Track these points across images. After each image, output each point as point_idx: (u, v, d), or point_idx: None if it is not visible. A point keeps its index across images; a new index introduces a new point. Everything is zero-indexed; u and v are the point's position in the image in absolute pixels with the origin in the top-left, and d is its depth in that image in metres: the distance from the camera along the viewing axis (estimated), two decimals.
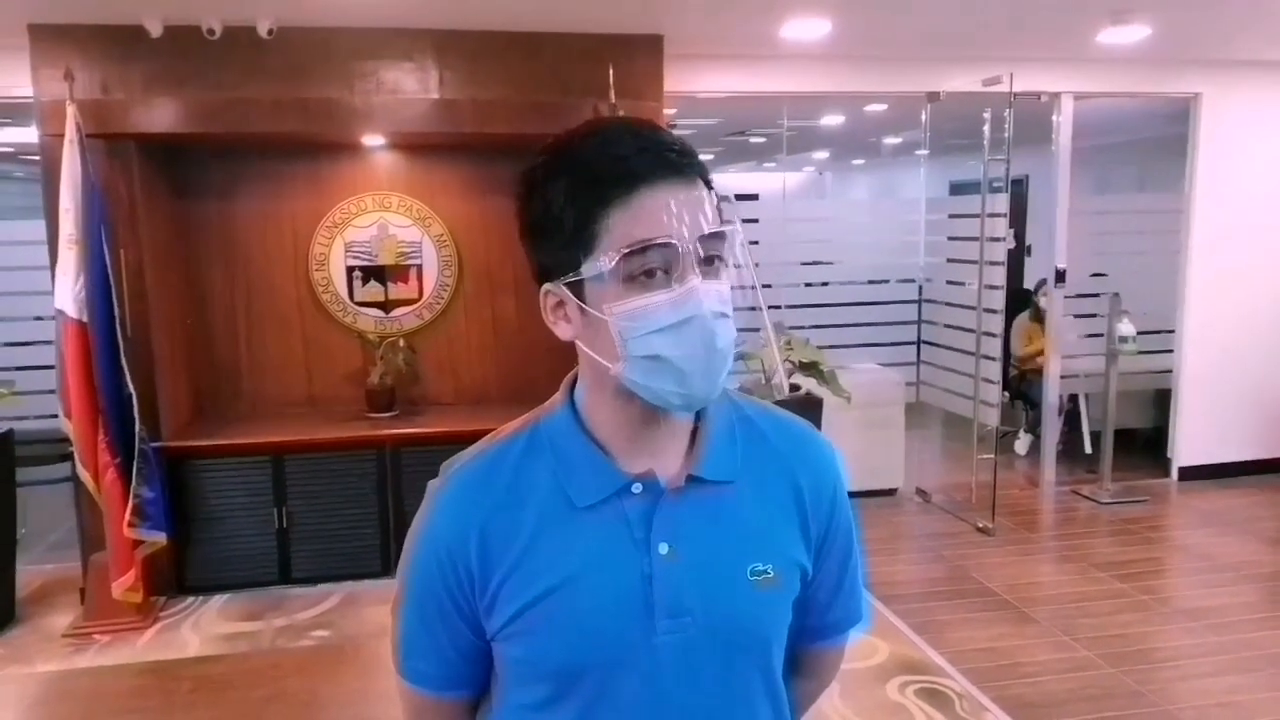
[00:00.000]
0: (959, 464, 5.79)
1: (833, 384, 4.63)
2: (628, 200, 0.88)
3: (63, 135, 3.61)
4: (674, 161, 0.89)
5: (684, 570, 0.96)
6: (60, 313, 3.64)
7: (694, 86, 4.85)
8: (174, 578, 4.11)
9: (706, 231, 0.89)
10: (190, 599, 4.09)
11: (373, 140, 4.46)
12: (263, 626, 3.85)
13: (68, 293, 3.62)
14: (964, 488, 5.37)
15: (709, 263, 0.90)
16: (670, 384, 0.91)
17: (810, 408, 4.62)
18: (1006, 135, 4.84)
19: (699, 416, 1.01)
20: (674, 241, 0.87)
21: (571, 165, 0.91)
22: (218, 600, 4.09)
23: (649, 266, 0.88)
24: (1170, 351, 5.76)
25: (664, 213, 0.88)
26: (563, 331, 0.96)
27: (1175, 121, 5.70)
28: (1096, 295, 5.71)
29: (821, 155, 11.64)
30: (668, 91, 4.40)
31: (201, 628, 3.84)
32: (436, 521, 0.98)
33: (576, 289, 0.92)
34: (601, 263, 0.88)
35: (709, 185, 0.93)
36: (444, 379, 4.77)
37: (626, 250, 0.87)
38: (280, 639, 3.75)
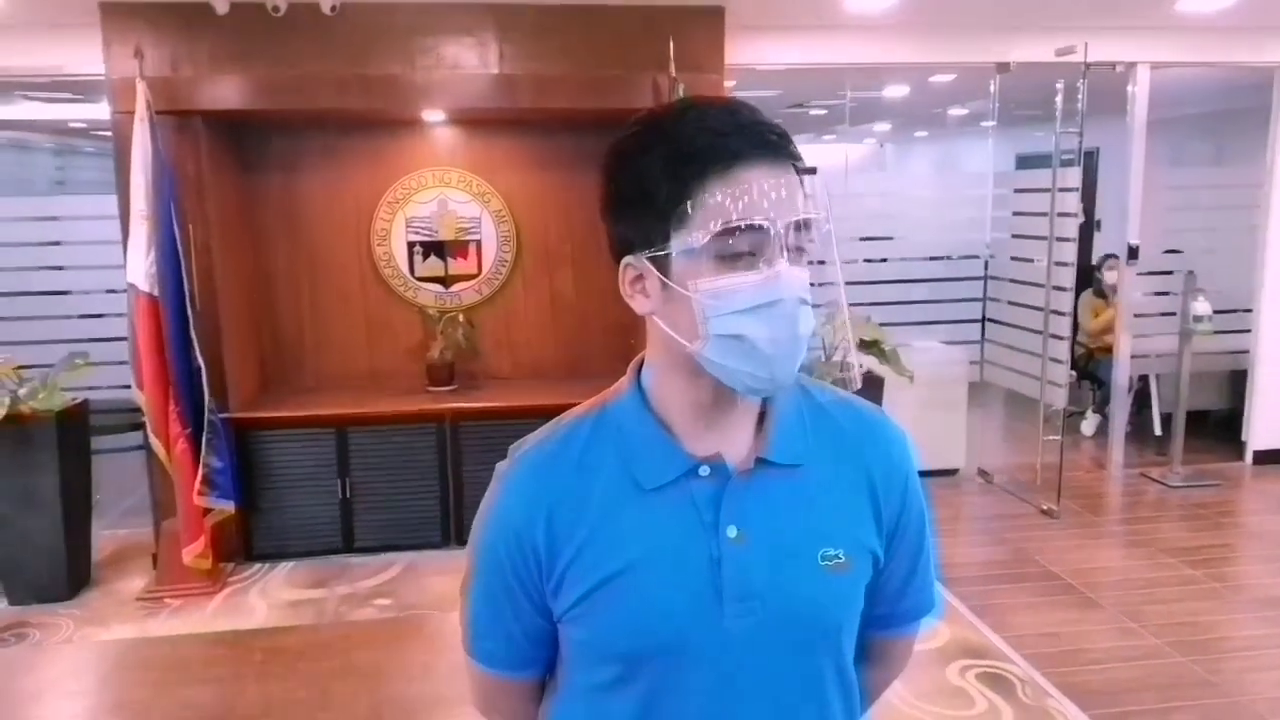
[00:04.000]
0: (1023, 444, 5.67)
1: (894, 363, 4.56)
2: (725, 178, 0.87)
3: (133, 112, 3.68)
4: (773, 144, 0.88)
5: (753, 554, 0.95)
6: (132, 286, 3.73)
7: (756, 59, 4.77)
8: (242, 545, 4.22)
9: (800, 218, 0.88)
10: (257, 566, 4.20)
11: (433, 116, 4.47)
12: (327, 594, 3.93)
13: (140, 267, 3.71)
14: (1028, 469, 5.26)
15: (796, 249, 0.89)
16: (748, 365, 0.89)
17: (871, 386, 4.55)
18: (1080, 107, 4.69)
19: (767, 400, 0.99)
20: (768, 224, 0.86)
21: (668, 139, 0.89)
22: (284, 567, 4.18)
23: (739, 247, 0.87)
24: (1247, 331, 5.58)
25: (760, 194, 0.86)
26: (639, 305, 0.95)
27: (1256, 93, 5.47)
28: (1170, 273, 5.53)
29: (883, 127, 11.41)
30: (729, 64, 4.33)
31: (268, 594, 3.94)
32: (505, 503, 0.98)
33: (660, 263, 0.91)
34: (693, 239, 0.87)
35: (801, 171, 0.91)
36: (502, 354, 4.80)
37: (719, 229, 0.86)
38: (344, 606, 3.83)
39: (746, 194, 0.86)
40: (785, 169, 0.89)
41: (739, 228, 0.86)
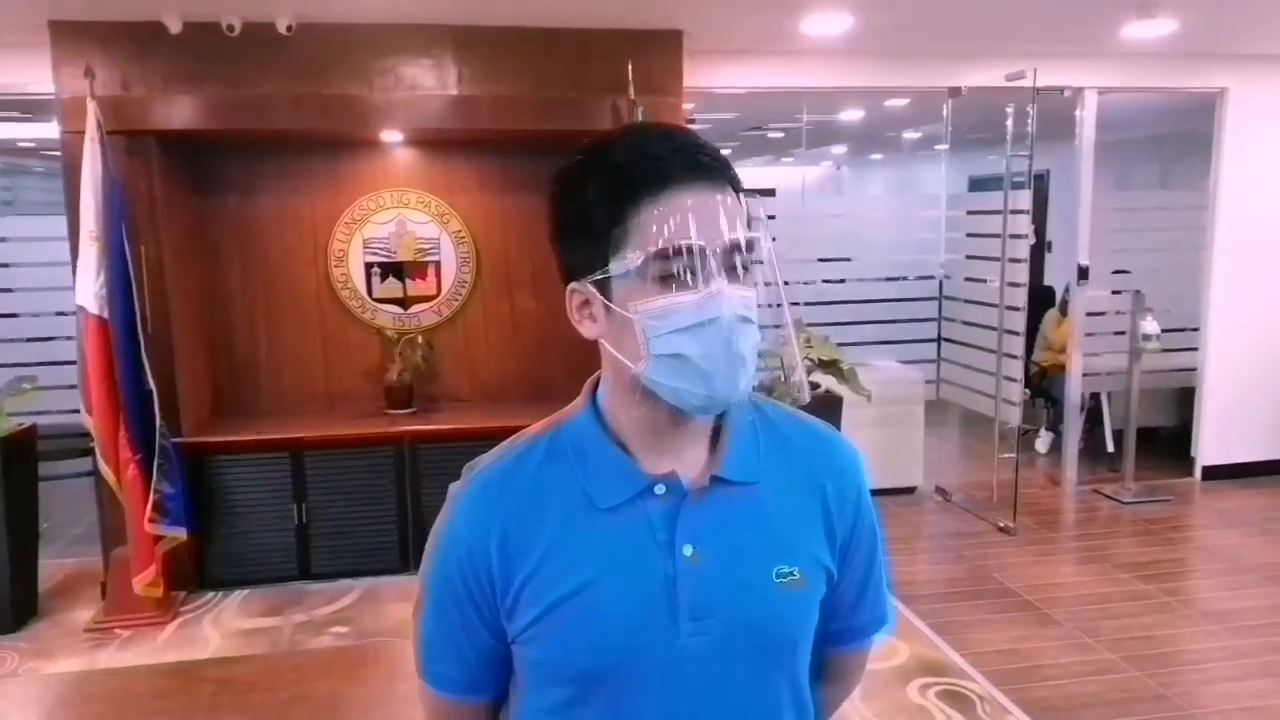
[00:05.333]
0: (979, 462, 5.74)
1: (852, 382, 4.60)
2: (658, 199, 0.88)
3: (83, 132, 3.62)
4: (706, 164, 0.90)
5: (708, 572, 0.95)
6: (81, 309, 3.66)
7: (714, 82, 4.82)
8: (194, 573, 4.13)
9: (734, 238, 0.89)
10: (210, 594, 4.11)
11: (391, 137, 4.46)
12: (282, 622, 3.86)
13: (89, 289, 3.63)
14: (984, 486, 5.32)
15: (735, 268, 0.90)
16: (690, 384, 0.90)
17: (829, 406, 4.59)
18: (1029, 131, 4.79)
19: (721, 418, 1.00)
20: (702, 244, 0.87)
21: (605, 164, 0.91)
22: (238, 595, 4.10)
23: (676, 267, 0.88)
24: (1194, 349, 5.70)
25: (694, 215, 0.87)
26: (587, 330, 0.96)
27: (1200, 116, 5.63)
28: (1119, 292, 5.65)
29: (839, 150, 11.58)
30: (687, 87, 4.37)
31: (221, 623, 3.86)
32: (457, 523, 0.98)
33: (603, 287, 0.92)
34: (629, 260, 0.88)
35: (739, 193, 0.93)
36: (462, 375, 4.77)
37: (654, 250, 0.87)
38: (299, 634, 3.76)
39: (680, 216, 0.87)
40: (720, 189, 0.90)
41: (674, 249, 0.87)
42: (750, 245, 0.91)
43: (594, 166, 0.92)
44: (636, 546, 0.94)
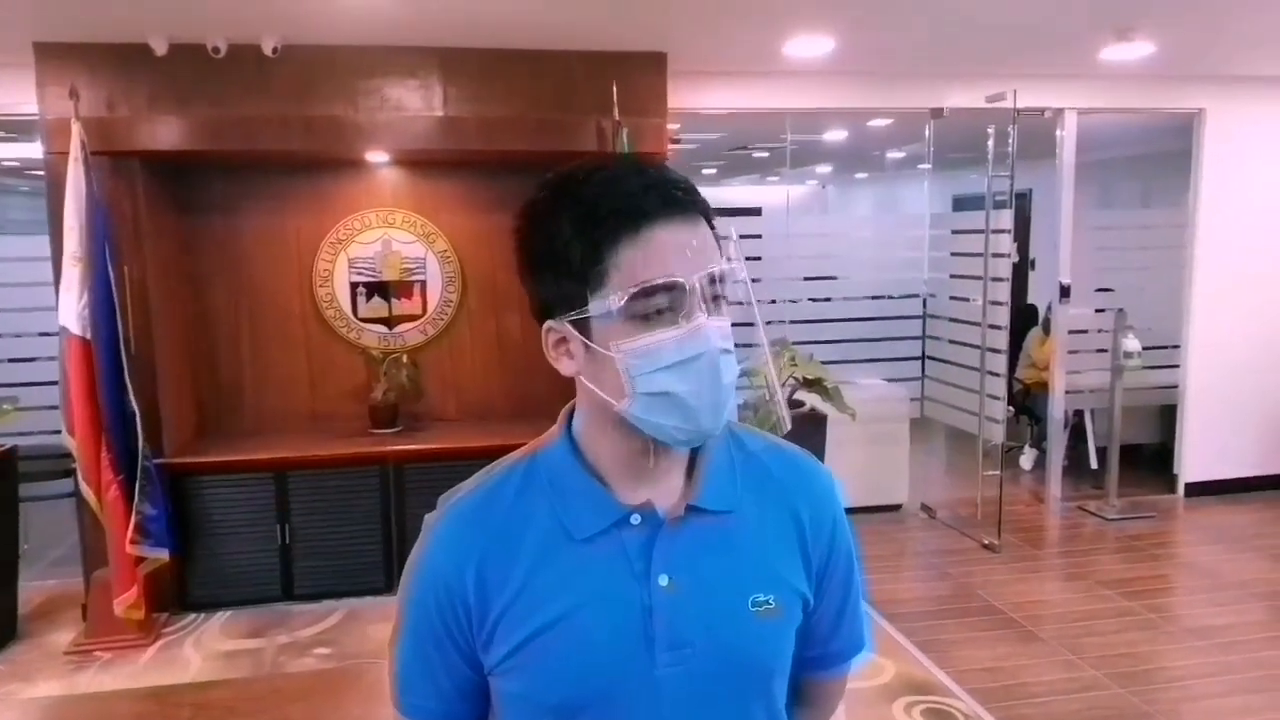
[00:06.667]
0: (964, 480, 5.76)
1: (837, 400, 4.61)
2: (635, 238, 0.88)
3: (68, 152, 3.61)
4: (680, 200, 0.90)
5: (684, 602, 0.95)
6: (64, 329, 3.64)
7: (698, 103, 4.86)
8: (176, 594, 4.10)
9: (712, 271, 0.90)
10: (192, 615, 4.08)
11: (377, 157, 4.47)
12: (265, 644, 3.83)
13: (71, 309, 3.62)
14: (969, 504, 5.34)
15: (713, 300, 0.91)
16: (676, 420, 0.90)
17: (814, 424, 4.60)
18: (1010, 151, 4.84)
19: (697, 448, 1.00)
20: (682, 281, 0.88)
21: (578, 200, 0.90)
22: (220, 617, 4.07)
23: (657, 305, 0.88)
24: (1176, 366, 5.75)
25: (672, 251, 0.88)
26: (565, 368, 0.96)
27: (1179, 136, 5.70)
28: (1102, 310, 5.69)
29: (824, 169, 11.65)
30: (671, 108, 4.40)
31: (203, 645, 3.83)
32: (433, 555, 0.98)
33: (581, 325, 0.91)
34: (609, 301, 0.88)
35: (710, 223, 0.93)
36: (447, 395, 4.77)
37: (635, 290, 0.87)
38: (282, 656, 3.73)
39: (658, 253, 0.87)
40: (695, 223, 0.91)
41: (654, 287, 0.87)
42: (725, 276, 0.91)
43: (566, 202, 0.91)
44: (613, 577, 0.95)
